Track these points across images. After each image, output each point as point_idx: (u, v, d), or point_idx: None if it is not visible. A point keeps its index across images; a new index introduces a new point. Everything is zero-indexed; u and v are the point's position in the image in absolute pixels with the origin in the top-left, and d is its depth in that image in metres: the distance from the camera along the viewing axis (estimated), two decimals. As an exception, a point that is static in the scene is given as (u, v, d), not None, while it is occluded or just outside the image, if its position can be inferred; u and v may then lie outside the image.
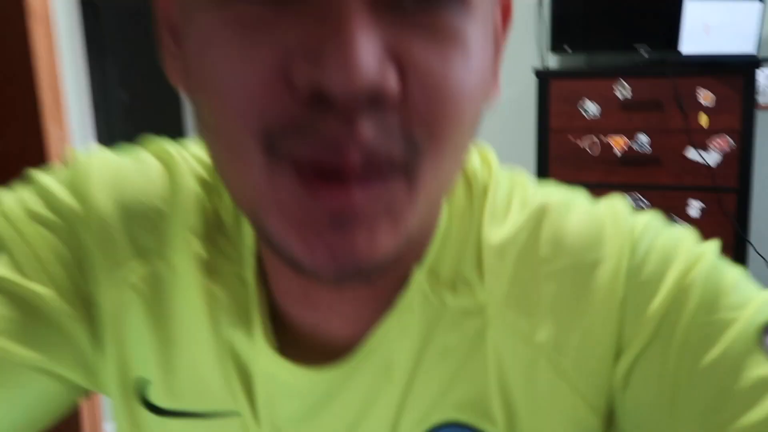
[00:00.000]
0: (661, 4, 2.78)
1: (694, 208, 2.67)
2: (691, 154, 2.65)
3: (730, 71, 2.58)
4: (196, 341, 0.43)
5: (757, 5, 2.61)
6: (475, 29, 0.33)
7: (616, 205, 0.46)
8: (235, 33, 0.30)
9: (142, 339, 0.44)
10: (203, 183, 0.46)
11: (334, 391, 0.42)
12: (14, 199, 0.44)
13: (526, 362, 0.41)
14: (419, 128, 0.31)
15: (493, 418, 0.41)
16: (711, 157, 2.63)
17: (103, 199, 0.43)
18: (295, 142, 0.30)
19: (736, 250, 2.64)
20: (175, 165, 0.46)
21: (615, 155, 2.75)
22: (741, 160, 2.60)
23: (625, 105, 2.71)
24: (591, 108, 2.75)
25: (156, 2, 0.39)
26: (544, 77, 2.80)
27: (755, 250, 2.63)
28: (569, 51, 2.98)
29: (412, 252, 0.42)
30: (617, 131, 2.73)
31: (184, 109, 3.96)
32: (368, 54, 0.27)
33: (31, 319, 0.41)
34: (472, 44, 0.32)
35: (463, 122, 0.33)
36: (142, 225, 0.44)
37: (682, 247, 0.43)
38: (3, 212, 0.43)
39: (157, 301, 0.44)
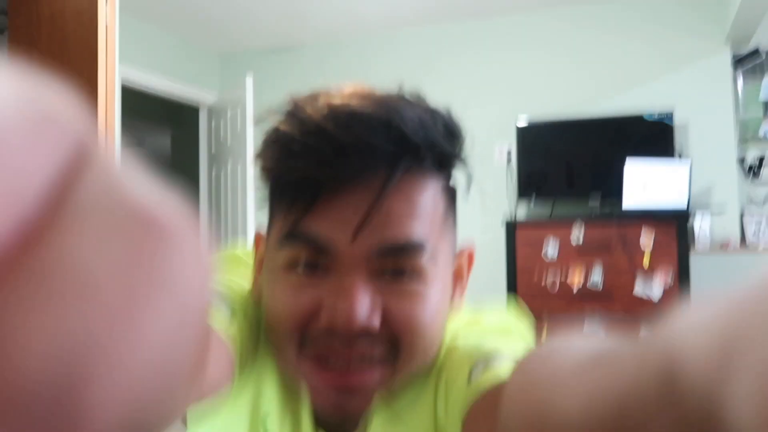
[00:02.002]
0: (609, 163, 3.33)
1: (645, 337, 3.06)
2: (638, 289, 3.08)
3: (666, 221, 3.08)
4: (302, 402, 0.59)
5: (687, 164, 3.16)
6: (432, 286, 0.52)
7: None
8: (290, 287, 0.51)
9: (272, 388, 0.60)
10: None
11: None
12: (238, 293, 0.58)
13: None
14: (396, 342, 0.51)
15: None
16: (655, 293, 3.06)
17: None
18: (312, 349, 0.51)
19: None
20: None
21: (572, 291, 3.19)
22: (681, 294, 3.02)
23: (579, 249, 3.19)
24: (551, 251, 3.23)
25: (255, 249, 0.60)
26: (511, 227, 3.31)
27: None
28: (533, 201, 3.53)
29: None
30: (574, 270, 3.19)
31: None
32: (362, 311, 0.48)
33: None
34: (429, 296, 0.51)
35: (423, 338, 0.52)
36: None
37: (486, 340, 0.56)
38: (236, 295, 0.57)
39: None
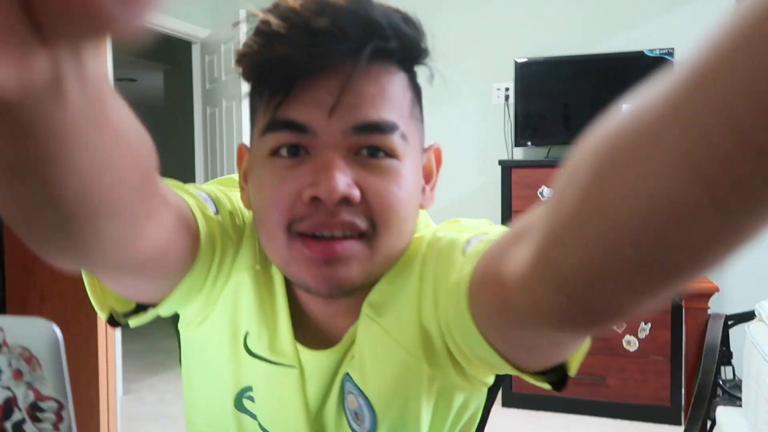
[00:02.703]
0: (608, 103, 3.30)
1: (637, 277, 3.10)
2: (632, 231, 3.10)
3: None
4: (280, 316, 0.65)
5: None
6: (405, 168, 0.58)
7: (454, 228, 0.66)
8: (275, 175, 0.56)
9: (249, 306, 0.65)
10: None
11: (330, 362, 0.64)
12: (226, 194, 0.66)
13: (384, 342, 0.61)
14: (373, 217, 0.56)
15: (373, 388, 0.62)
16: (649, 234, 3.09)
17: (249, 224, 0.67)
18: (300, 225, 0.56)
19: (673, 311, 3.05)
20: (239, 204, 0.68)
21: (568, 232, 3.21)
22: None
23: (576, 190, 3.19)
24: (547, 193, 3.23)
25: (239, 163, 0.66)
26: (507, 167, 3.30)
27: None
28: (531, 145, 3.52)
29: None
30: (569, 212, 3.20)
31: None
32: (342, 183, 0.53)
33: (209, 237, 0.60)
34: (402, 176, 0.57)
35: (398, 213, 0.57)
36: (252, 243, 0.66)
37: (462, 233, 0.61)
38: (219, 192, 0.65)
39: (258, 288, 0.65)
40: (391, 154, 0.57)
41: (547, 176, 3.24)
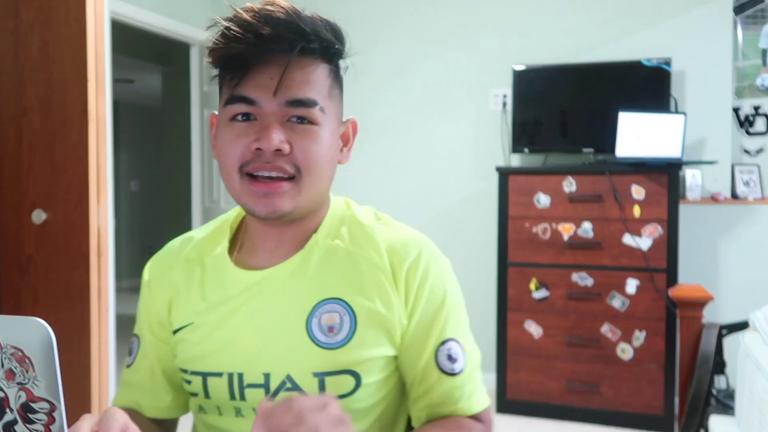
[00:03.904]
0: (605, 112, 3.31)
1: (631, 285, 3.10)
2: (627, 239, 3.11)
3: (658, 171, 3.08)
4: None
5: (681, 117, 3.14)
6: (323, 131, 0.82)
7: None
8: (232, 134, 0.80)
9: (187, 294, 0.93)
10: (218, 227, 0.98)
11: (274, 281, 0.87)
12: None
13: (367, 271, 0.86)
14: (298, 164, 0.80)
15: (354, 298, 0.85)
16: (644, 242, 3.09)
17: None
18: (248, 167, 0.80)
19: (668, 320, 3.05)
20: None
21: (563, 240, 3.21)
22: (669, 244, 3.05)
23: (572, 198, 3.20)
24: (543, 200, 3.24)
25: (211, 127, 0.89)
26: (504, 173, 3.31)
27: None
28: (528, 152, 3.52)
29: (310, 226, 0.88)
30: (565, 219, 3.21)
31: (191, 198, 4.42)
32: (276, 139, 0.77)
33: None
34: (321, 137, 0.81)
35: (317, 165, 0.81)
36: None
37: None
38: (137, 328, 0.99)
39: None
40: (312, 121, 0.80)
41: (544, 183, 3.24)
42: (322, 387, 0.82)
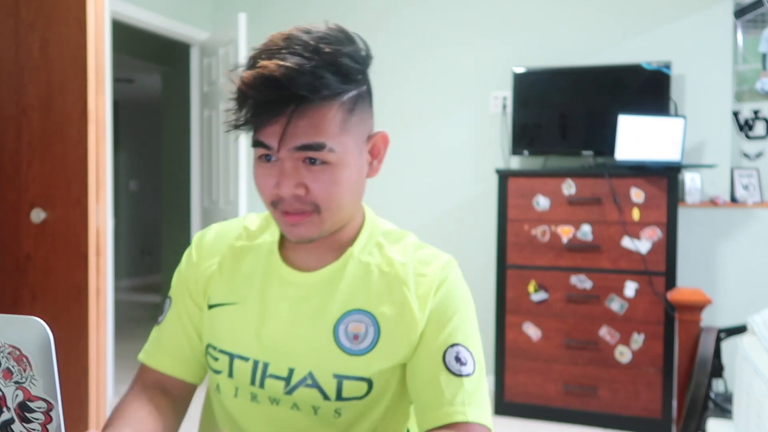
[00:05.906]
0: (604, 115, 3.32)
1: (630, 288, 3.10)
2: (626, 242, 3.11)
3: (658, 174, 3.08)
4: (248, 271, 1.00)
5: (681, 120, 3.14)
6: (338, 167, 0.86)
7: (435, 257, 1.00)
8: (260, 172, 0.87)
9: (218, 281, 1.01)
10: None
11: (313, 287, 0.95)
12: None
13: (395, 288, 0.94)
14: (317, 203, 0.86)
15: (381, 311, 0.92)
16: (643, 246, 3.09)
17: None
18: (277, 206, 0.87)
19: (666, 323, 3.05)
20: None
21: (562, 242, 3.22)
22: (668, 248, 3.05)
23: (571, 200, 3.20)
24: (542, 202, 3.24)
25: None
26: (503, 175, 3.31)
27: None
28: (527, 154, 3.52)
29: (345, 235, 0.96)
30: (564, 222, 3.21)
31: (189, 195, 4.42)
32: (289, 188, 0.84)
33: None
34: (335, 173, 0.86)
35: (337, 199, 0.87)
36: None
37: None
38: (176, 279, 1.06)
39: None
40: (324, 161, 0.85)
41: (543, 185, 3.24)
42: (339, 387, 0.91)
